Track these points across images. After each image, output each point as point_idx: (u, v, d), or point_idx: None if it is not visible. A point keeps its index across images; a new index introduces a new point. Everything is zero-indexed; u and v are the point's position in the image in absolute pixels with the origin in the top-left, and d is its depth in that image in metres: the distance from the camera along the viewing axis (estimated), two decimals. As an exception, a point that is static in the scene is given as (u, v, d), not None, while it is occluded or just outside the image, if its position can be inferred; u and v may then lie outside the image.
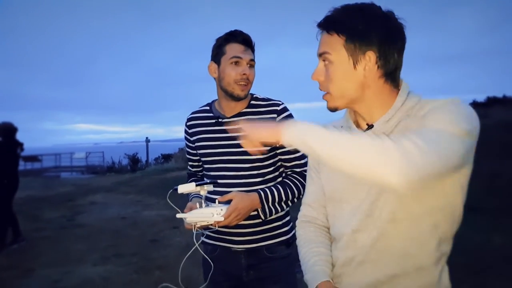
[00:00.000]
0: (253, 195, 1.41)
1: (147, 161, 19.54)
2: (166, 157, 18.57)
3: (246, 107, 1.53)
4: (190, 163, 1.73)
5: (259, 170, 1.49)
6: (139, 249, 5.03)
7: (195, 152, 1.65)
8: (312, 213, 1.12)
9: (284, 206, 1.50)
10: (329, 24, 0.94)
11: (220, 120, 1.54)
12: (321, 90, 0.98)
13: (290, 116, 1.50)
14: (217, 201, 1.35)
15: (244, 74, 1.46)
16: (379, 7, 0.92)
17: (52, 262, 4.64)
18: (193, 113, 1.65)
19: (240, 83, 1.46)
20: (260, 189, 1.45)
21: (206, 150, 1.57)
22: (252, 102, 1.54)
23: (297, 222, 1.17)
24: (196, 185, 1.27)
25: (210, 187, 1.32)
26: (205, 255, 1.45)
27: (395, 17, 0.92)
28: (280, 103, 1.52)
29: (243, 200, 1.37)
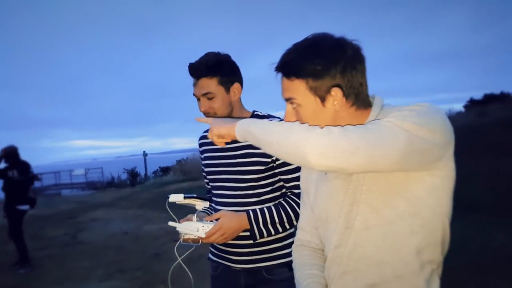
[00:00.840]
0: (242, 216, 1.40)
1: (145, 174, 19.62)
2: (165, 170, 18.64)
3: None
4: (205, 180, 1.71)
5: (254, 190, 1.46)
6: (142, 264, 5.12)
7: (205, 170, 1.66)
8: (306, 236, 1.12)
9: (280, 228, 1.44)
10: (287, 70, 0.94)
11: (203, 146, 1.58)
12: None
13: None
14: (204, 218, 1.38)
15: (206, 110, 1.46)
16: (331, 37, 0.92)
17: (58, 280, 4.73)
18: (204, 131, 1.67)
19: (208, 116, 1.46)
20: (251, 209, 1.42)
21: (209, 169, 1.60)
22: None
23: (292, 246, 1.17)
24: (184, 197, 1.33)
25: (204, 203, 1.36)
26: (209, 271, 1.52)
27: (349, 42, 0.92)
28: (277, 117, 1.46)
29: (230, 220, 1.37)
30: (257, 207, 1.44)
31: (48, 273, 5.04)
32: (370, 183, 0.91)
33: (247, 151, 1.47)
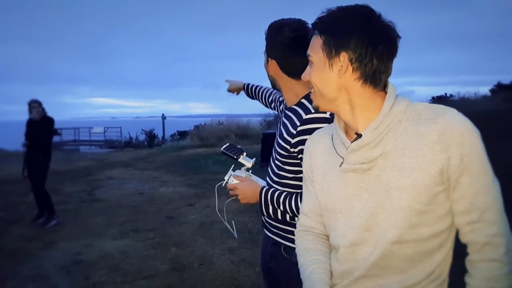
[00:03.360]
0: (257, 188, 1.47)
1: (163, 137, 19.77)
2: (182, 134, 18.74)
3: (296, 104, 1.46)
4: None
5: (278, 170, 1.46)
6: (156, 225, 5.17)
7: None
8: (309, 222, 1.12)
9: (286, 216, 1.43)
10: (315, 25, 0.96)
11: (281, 109, 1.65)
12: (310, 88, 1.01)
13: (312, 130, 1.27)
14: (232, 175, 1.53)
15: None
16: (368, 10, 0.91)
17: (73, 235, 4.83)
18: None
19: None
20: (267, 187, 1.47)
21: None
22: (302, 100, 1.44)
23: (295, 231, 1.18)
24: (232, 154, 1.53)
25: (247, 163, 1.52)
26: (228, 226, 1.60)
27: (383, 21, 0.91)
28: (312, 111, 1.35)
29: (246, 187, 1.48)
30: (278, 187, 1.46)
31: (63, 228, 5.15)
32: (402, 195, 0.88)
33: (282, 132, 1.46)
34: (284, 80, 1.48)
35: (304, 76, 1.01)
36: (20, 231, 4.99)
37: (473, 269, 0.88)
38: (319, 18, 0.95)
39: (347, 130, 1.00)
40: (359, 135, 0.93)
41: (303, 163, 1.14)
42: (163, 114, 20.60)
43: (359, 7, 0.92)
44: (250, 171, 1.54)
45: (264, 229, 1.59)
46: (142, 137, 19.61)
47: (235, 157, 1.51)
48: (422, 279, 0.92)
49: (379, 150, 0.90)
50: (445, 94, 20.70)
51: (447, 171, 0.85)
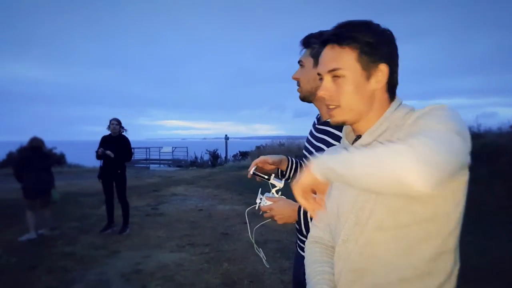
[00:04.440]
0: (295, 206, 1.43)
1: (225, 157, 20.38)
2: (243, 154, 19.17)
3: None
4: None
5: None
6: (211, 241, 5.31)
7: None
8: (319, 233, 1.13)
9: None
10: (340, 37, 0.93)
11: (316, 124, 1.58)
12: (328, 104, 0.98)
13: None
14: (265, 196, 1.48)
15: (295, 77, 1.51)
16: (379, 24, 0.95)
17: (135, 246, 5.14)
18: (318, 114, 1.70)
19: (297, 85, 1.52)
20: None
21: (303, 150, 1.64)
22: None
23: (306, 243, 1.18)
24: (264, 176, 1.52)
25: (279, 184, 1.49)
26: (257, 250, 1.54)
27: (392, 33, 0.96)
28: None
29: (282, 207, 1.42)
30: None
31: (127, 238, 5.50)
32: None
33: (321, 146, 1.44)
34: None
35: (326, 91, 0.96)
36: (90, 240, 5.43)
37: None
38: (340, 32, 0.94)
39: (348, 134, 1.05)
40: (358, 136, 0.99)
41: None
42: (226, 135, 21.33)
43: (371, 21, 0.95)
44: (280, 192, 1.51)
45: (298, 249, 1.56)
46: (206, 157, 20.42)
47: (267, 177, 1.50)
48: (413, 277, 0.88)
49: None
50: (531, 114, 18.76)
51: None
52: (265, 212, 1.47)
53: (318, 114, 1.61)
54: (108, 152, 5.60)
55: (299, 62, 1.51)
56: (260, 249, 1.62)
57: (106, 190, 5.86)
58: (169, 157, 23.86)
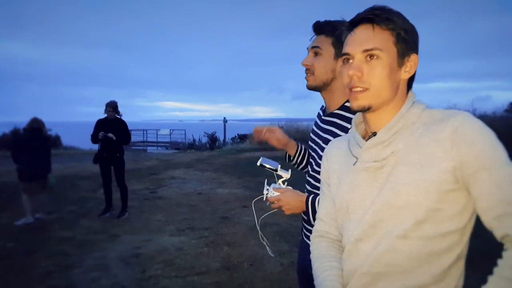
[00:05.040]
0: (302, 197, 1.43)
1: (224, 140, 20.30)
2: (242, 137, 19.10)
3: (339, 108, 1.45)
4: None
5: None
6: (211, 224, 5.30)
7: None
8: (325, 227, 1.12)
9: None
10: (379, 19, 0.90)
11: (321, 116, 1.55)
12: (355, 85, 0.93)
13: None
14: (272, 187, 1.47)
15: (306, 64, 1.44)
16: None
17: (134, 230, 5.11)
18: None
19: (306, 73, 1.45)
20: (313, 194, 1.43)
21: (309, 142, 1.61)
22: (347, 103, 1.43)
23: (311, 237, 1.17)
24: (272, 167, 1.50)
25: (286, 175, 1.47)
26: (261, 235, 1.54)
27: None
28: None
29: (290, 197, 1.43)
30: None
31: (127, 223, 5.48)
32: (409, 191, 0.87)
33: (328, 138, 1.41)
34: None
35: (357, 70, 0.91)
36: (88, 224, 5.40)
37: (505, 252, 0.84)
38: (379, 14, 0.90)
39: (365, 135, 1.02)
40: (374, 134, 0.96)
41: (321, 169, 1.16)
42: (224, 118, 21.18)
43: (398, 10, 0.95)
44: (286, 183, 1.50)
45: (304, 237, 1.55)
46: (204, 140, 20.33)
47: (276, 168, 1.49)
48: (428, 283, 0.88)
49: (391, 148, 0.92)
50: (526, 99, 18.80)
51: (461, 168, 0.83)
52: (272, 203, 1.46)
53: (323, 106, 1.57)
54: (110, 134, 5.51)
55: (313, 48, 1.43)
56: (265, 238, 1.60)
57: (104, 174, 5.80)
58: (167, 140, 23.72)
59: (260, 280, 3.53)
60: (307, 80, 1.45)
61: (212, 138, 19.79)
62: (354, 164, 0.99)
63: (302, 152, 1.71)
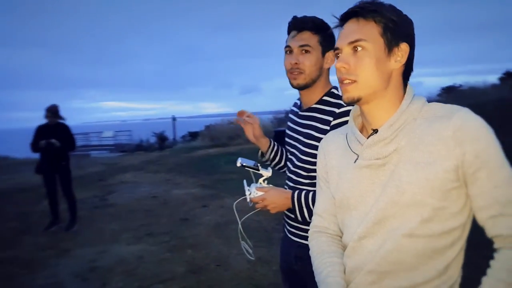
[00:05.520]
0: (287, 194, 1.42)
1: (174, 139, 19.77)
2: (193, 135, 18.72)
3: (317, 102, 1.44)
4: None
5: (308, 172, 1.41)
6: (170, 228, 5.09)
7: None
8: (323, 223, 1.12)
9: None
10: (366, 11, 0.92)
11: (299, 112, 1.53)
12: (344, 78, 0.94)
13: (346, 123, 1.27)
14: (254, 187, 1.44)
15: (295, 63, 1.39)
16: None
17: (87, 241, 4.76)
18: (297, 99, 1.63)
19: (292, 72, 1.41)
20: (298, 190, 1.42)
21: (286, 138, 1.60)
22: (324, 97, 1.44)
23: (309, 232, 1.17)
24: (248, 166, 1.45)
25: (267, 173, 1.45)
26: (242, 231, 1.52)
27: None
28: (344, 105, 1.35)
29: (274, 196, 1.41)
30: (308, 188, 1.41)
31: (77, 235, 5.09)
32: (414, 190, 0.87)
33: (309, 132, 1.42)
34: (327, 76, 1.45)
35: (344, 62, 0.93)
36: (33, 240, 4.93)
37: (497, 254, 0.87)
38: (366, 7, 0.92)
39: (362, 128, 1.02)
40: (375, 131, 0.95)
41: (317, 164, 1.14)
42: (173, 116, 20.60)
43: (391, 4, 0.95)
44: (266, 181, 1.47)
45: (288, 234, 1.54)
46: (152, 140, 19.64)
47: (257, 168, 1.46)
48: (433, 277, 0.90)
49: (393, 145, 0.92)
50: (454, 84, 20.67)
51: (462, 167, 0.85)
52: (256, 203, 1.43)
53: (298, 103, 1.58)
54: (53, 140, 5.06)
55: (302, 46, 1.39)
56: (244, 242, 1.55)
57: (48, 184, 5.33)
58: (111, 142, 22.61)
59: (228, 280, 3.46)
60: (294, 79, 1.41)
61: (161, 138, 19.15)
62: (355, 162, 0.98)
63: (275, 149, 1.69)
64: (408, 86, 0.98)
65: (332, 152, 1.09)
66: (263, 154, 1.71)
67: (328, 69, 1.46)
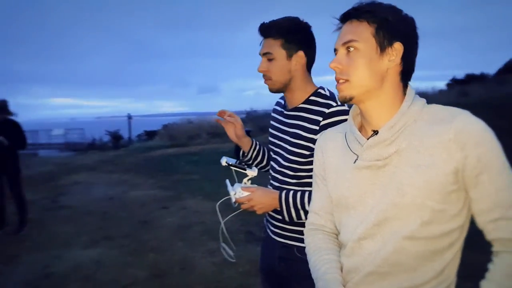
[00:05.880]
0: (274, 194, 1.41)
1: (129, 138, 19.09)
2: (150, 134, 18.20)
3: (303, 102, 1.44)
4: None
5: (295, 171, 1.41)
6: (130, 231, 4.90)
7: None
8: (320, 220, 1.13)
9: None
10: (359, 13, 0.94)
11: (284, 111, 1.53)
12: (338, 78, 0.97)
13: (337, 122, 1.30)
14: (239, 187, 1.42)
15: (262, 70, 1.44)
16: (401, 9, 0.96)
17: (39, 246, 4.46)
18: (280, 98, 1.64)
19: (264, 78, 1.45)
20: (285, 190, 1.41)
21: (270, 138, 1.60)
22: (312, 97, 1.43)
23: (304, 230, 1.18)
24: (231, 164, 1.44)
25: (253, 173, 1.44)
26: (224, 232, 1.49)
27: (414, 20, 0.96)
28: (333, 104, 1.36)
29: (261, 196, 1.40)
30: (295, 188, 1.40)
31: (27, 239, 4.76)
32: (415, 192, 0.88)
33: (297, 132, 1.41)
34: (303, 77, 1.44)
35: (338, 63, 0.96)
36: (-23, 245, 4.55)
37: (496, 258, 0.89)
38: (360, 7, 0.94)
39: (361, 128, 1.02)
40: (375, 132, 0.95)
41: (314, 161, 1.14)
42: (128, 114, 19.85)
43: (392, 4, 0.95)
44: (250, 181, 1.46)
45: (271, 234, 1.52)
46: (106, 139, 18.84)
47: (243, 167, 1.45)
48: (432, 278, 0.92)
49: (394, 147, 0.92)
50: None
51: (463, 170, 0.86)
52: (242, 204, 1.40)
53: (282, 102, 1.58)
54: (1, 138, 4.70)
55: (265, 54, 1.41)
56: (224, 244, 1.51)
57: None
58: (62, 141, 21.40)
59: (195, 284, 3.39)
60: (267, 85, 1.45)
61: (116, 137, 18.42)
62: (354, 162, 0.98)
63: (257, 148, 1.68)
64: (409, 87, 0.98)
65: (330, 151, 1.08)
66: (244, 154, 1.69)
67: (305, 67, 1.44)
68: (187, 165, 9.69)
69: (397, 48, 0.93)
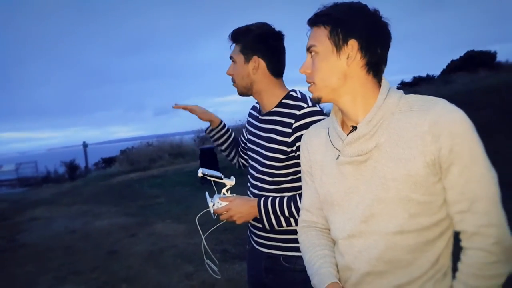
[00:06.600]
0: (253, 202, 1.39)
1: (86, 167, 18.32)
2: (108, 161, 17.56)
3: (276, 106, 1.45)
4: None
5: (272, 177, 1.41)
6: (98, 263, 4.69)
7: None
8: (311, 217, 1.13)
9: (292, 221, 1.38)
10: (316, 18, 0.99)
11: (259, 116, 1.55)
12: (307, 82, 1.01)
13: (309, 124, 1.29)
14: (218, 198, 1.41)
15: (227, 73, 1.51)
16: (366, 5, 0.97)
17: (-2, 291, 4.16)
18: (256, 102, 1.63)
19: (232, 81, 1.51)
20: (264, 197, 1.40)
21: (245, 144, 1.63)
22: (284, 100, 1.44)
23: (298, 228, 1.18)
24: (209, 175, 1.41)
25: (230, 182, 1.41)
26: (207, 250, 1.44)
27: (380, 15, 0.97)
28: (304, 106, 1.36)
29: (239, 205, 1.38)
30: (274, 195, 1.39)
31: (-15, 284, 4.42)
32: (399, 186, 0.89)
33: (271, 136, 1.42)
34: (267, 82, 1.45)
35: (305, 68, 1.01)
36: None
37: (463, 256, 0.91)
38: (318, 13, 0.98)
39: (343, 123, 1.03)
40: (354, 128, 0.96)
41: (301, 159, 1.15)
42: (84, 142, 19.07)
43: (357, 2, 0.98)
44: (229, 191, 1.44)
45: (256, 245, 1.51)
46: (61, 170, 17.95)
47: (220, 177, 1.40)
48: (428, 269, 0.93)
49: (373, 142, 0.93)
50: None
51: (439, 161, 0.87)
52: (220, 215, 1.38)
53: (257, 106, 1.59)
54: None
55: (230, 58, 1.49)
56: (208, 260, 1.47)
57: None
58: (13, 176, 20.14)
59: (173, 310, 3.29)
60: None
61: (72, 167, 17.60)
62: (337, 158, 0.99)
63: (224, 130, 1.73)
64: (383, 80, 0.98)
65: (315, 147, 1.09)
66: (211, 131, 1.74)
67: (268, 72, 1.44)
68: (151, 189, 9.44)
69: (352, 44, 0.94)
